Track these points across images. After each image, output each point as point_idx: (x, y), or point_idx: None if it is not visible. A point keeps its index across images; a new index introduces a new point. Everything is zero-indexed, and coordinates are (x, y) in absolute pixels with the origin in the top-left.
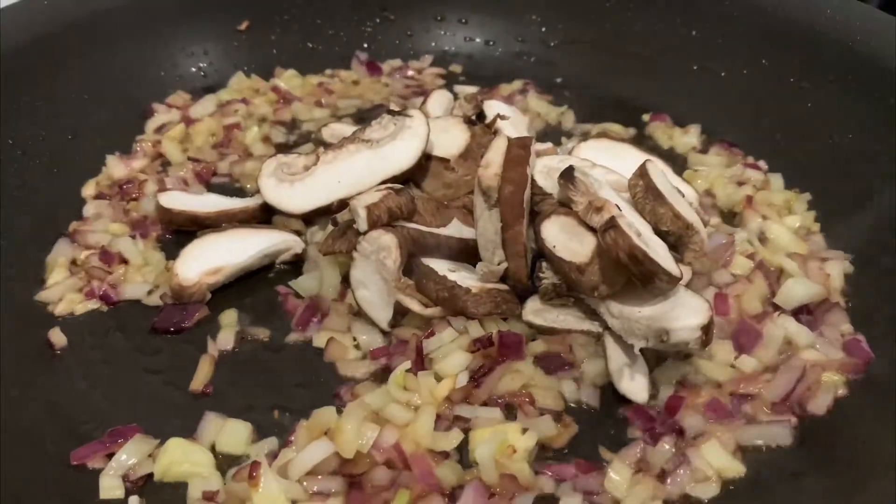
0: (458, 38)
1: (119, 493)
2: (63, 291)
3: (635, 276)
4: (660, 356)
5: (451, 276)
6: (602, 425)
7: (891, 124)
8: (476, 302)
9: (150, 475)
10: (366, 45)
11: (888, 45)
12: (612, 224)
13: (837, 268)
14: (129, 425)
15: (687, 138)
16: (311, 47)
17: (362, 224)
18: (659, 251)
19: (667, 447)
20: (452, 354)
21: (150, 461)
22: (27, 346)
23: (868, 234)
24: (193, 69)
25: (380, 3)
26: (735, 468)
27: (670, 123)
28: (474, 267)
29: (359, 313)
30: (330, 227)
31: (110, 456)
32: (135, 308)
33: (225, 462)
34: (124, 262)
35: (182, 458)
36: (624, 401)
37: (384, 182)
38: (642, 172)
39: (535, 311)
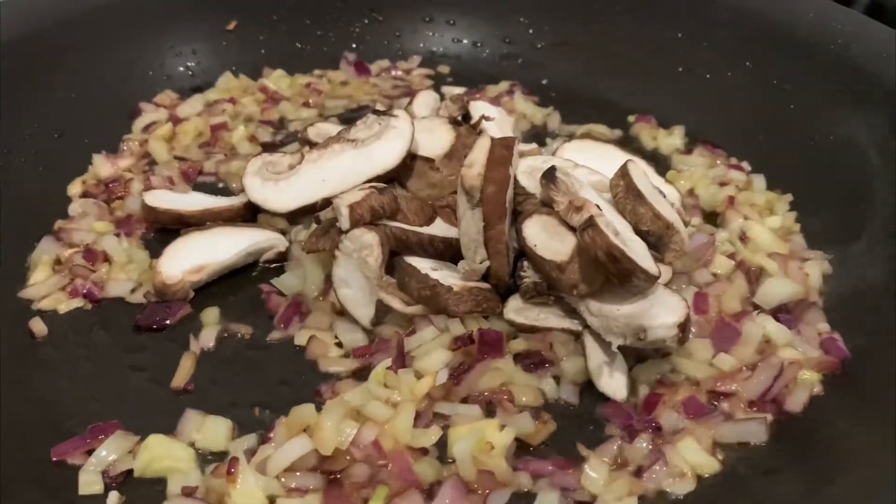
0: (446, 39)
1: (98, 488)
2: (47, 289)
3: (613, 275)
4: (639, 355)
5: (433, 275)
6: (580, 422)
7: (871, 126)
8: (457, 300)
9: (130, 471)
10: (354, 46)
11: (870, 49)
12: (590, 223)
13: (817, 268)
14: (110, 422)
15: (671, 139)
16: (299, 47)
17: (345, 222)
18: (637, 250)
19: (644, 444)
20: (433, 352)
21: (129, 457)
22: (10, 343)
23: (847, 236)
24: (181, 69)
25: (368, 4)
26: (710, 464)
27: (655, 125)
28: (456, 266)
29: (341, 311)
30: (313, 226)
31: (91, 452)
32: (118, 306)
33: (206, 459)
34: (108, 260)
35: (162, 455)
36: (602, 398)
37: (369, 181)
38: (623, 173)
39: (517, 310)
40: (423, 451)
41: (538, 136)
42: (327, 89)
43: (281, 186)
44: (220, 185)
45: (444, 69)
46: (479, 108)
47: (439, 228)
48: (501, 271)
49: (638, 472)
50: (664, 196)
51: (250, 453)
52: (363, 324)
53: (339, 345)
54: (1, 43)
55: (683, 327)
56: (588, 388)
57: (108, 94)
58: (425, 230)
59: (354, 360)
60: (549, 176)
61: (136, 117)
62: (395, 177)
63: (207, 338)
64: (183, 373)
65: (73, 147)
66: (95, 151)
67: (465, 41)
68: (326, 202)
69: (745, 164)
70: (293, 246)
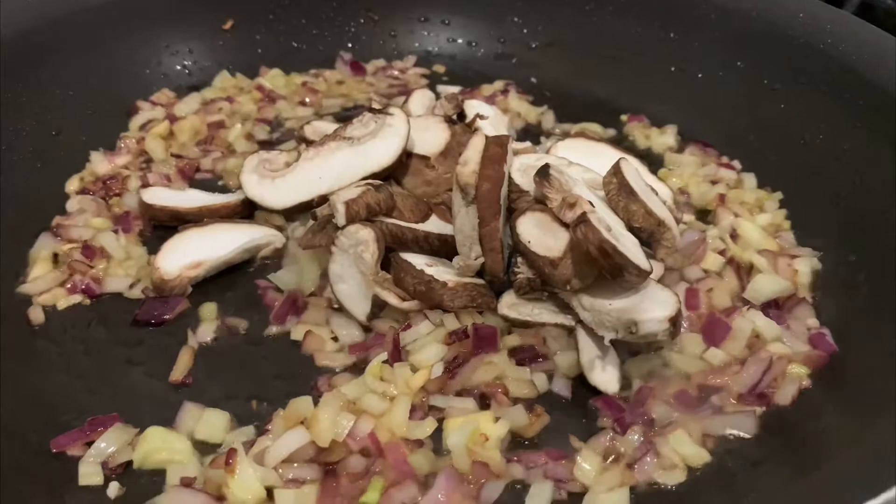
0: (442, 38)
1: (98, 479)
2: (45, 285)
3: (605, 270)
4: (631, 349)
5: (429, 271)
6: (573, 415)
7: (860, 125)
8: (452, 295)
9: (129, 463)
10: (350, 45)
11: (860, 50)
12: (583, 219)
13: (806, 264)
14: (110, 414)
15: (664, 138)
16: (295, 47)
17: (341, 219)
18: (629, 246)
19: (635, 436)
20: (428, 346)
21: (129, 449)
22: (9, 338)
23: (836, 233)
24: (178, 67)
25: (364, 4)
26: (701, 456)
27: (648, 124)
28: (451, 262)
29: (337, 307)
30: (310, 222)
31: (90, 444)
32: (116, 301)
33: (203, 450)
34: (106, 256)
35: (161, 446)
36: (595, 392)
37: (365, 179)
38: (616, 170)
39: (511, 305)
40: (419, 443)
41: (532, 134)
42: (323, 88)
43: (277, 184)
44: (218, 182)
45: (439, 68)
46: (473, 106)
47: (434, 225)
48: (496, 267)
49: (629, 464)
50: (656, 194)
51: (248, 445)
52: (359, 319)
53: (336, 339)
54: None
55: (674, 321)
56: (581, 381)
57: (106, 92)
58: (420, 227)
59: (350, 355)
60: (543, 173)
61: (133, 115)
62: (391, 174)
63: (205, 332)
64: (181, 367)
65: (70, 144)
66: (93, 149)
67: (459, 41)
68: (323, 199)
69: (735, 163)
70: (290, 242)
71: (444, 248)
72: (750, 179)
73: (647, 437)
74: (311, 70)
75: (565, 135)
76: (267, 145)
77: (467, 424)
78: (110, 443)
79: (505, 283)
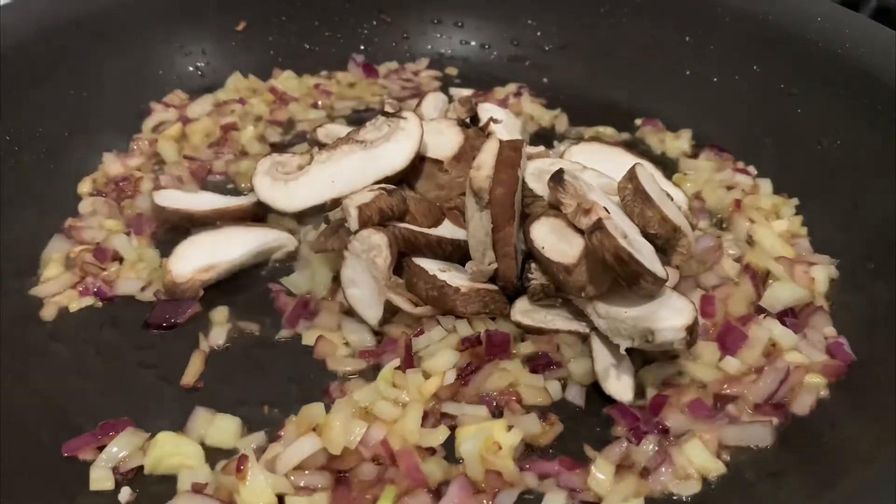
0: (454, 41)
1: (109, 484)
2: (58, 287)
3: (621, 277)
4: (646, 357)
5: (441, 276)
6: (587, 424)
7: (878, 131)
8: (465, 301)
9: (141, 468)
10: (362, 48)
11: (877, 53)
12: (598, 226)
13: (823, 272)
14: (121, 419)
15: (678, 143)
16: (308, 49)
17: (353, 223)
18: (645, 253)
19: (650, 446)
20: (441, 352)
21: (140, 454)
22: (21, 340)
23: (854, 240)
24: (191, 69)
25: (377, 6)
26: (716, 467)
27: (662, 128)
28: (464, 267)
29: (349, 311)
30: (322, 226)
31: (101, 448)
32: (128, 304)
33: (214, 456)
34: (118, 258)
35: (172, 451)
36: (609, 400)
37: (377, 183)
38: (631, 176)
39: (524, 312)
40: (431, 451)
41: (546, 138)
42: (336, 90)
43: (290, 186)
44: (230, 185)
45: (451, 71)
46: (487, 110)
47: (447, 230)
48: (509, 273)
49: (644, 474)
50: (672, 199)
51: (259, 451)
52: (371, 324)
53: (348, 344)
54: (13, 42)
55: (691, 330)
56: (595, 389)
57: (119, 94)
58: (433, 231)
59: (362, 360)
60: (557, 178)
61: (146, 117)
62: (404, 178)
63: (217, 336)
64: (192, 370)
65: (83, 146)
66: (106, 150)
67: (472, 43)
68: (335, 202)
69: (751, 168)
70: (302, 245)
71: (456, 253)
72: (766, 185)
73: (661, 447)
74: (323, 72)
75: (579, 138)
76: (279, 147)
77: (480, 432)
78: (122, 447)
79: (518, 290)
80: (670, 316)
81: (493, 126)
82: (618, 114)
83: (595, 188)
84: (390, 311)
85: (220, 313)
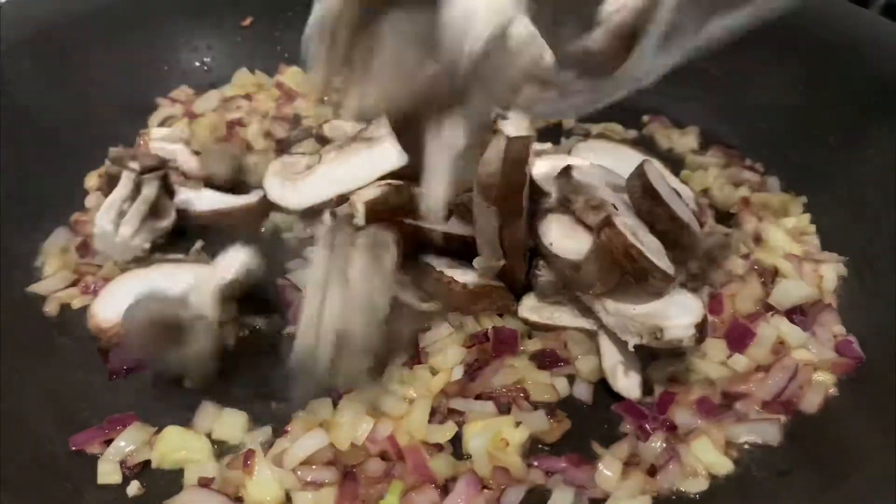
0: None
1: (116, 478)
2: (58, 284)
3: (630, 274)
4: (652, 354)
5: (449, 272)
6: (594, 421)
7: (887, 129)
8: (472, 298)
9: (148, 462)
10: None
11: (886, 51)
12: (607, 222)
13: (831, 270)
14: (127, 413)
15: (685, 140)
16: None
17: (361, 219)
18: (654, 249)
19: (657, 443)
20: (448, 349)
21: (147, 448)
22: (26, 335)
23: (862, 238)
24: (197, 64)
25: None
26: (724, 464)
27: (669, 125)
28: (471, 263)
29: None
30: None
31: (108, 443)
32: None
33: (221, 450)
34: None
35: (179, 446)
36: (617, 397)
37: (383, 178)
38: (640, 173)
39: (532, 309)
40: (439, 447)
41: (553, 134)
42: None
43: (299, 185)
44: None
45: None
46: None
47: (454, 226)
48: (517, 269)
49: (651, 471)
50: (680, 196)
51: (266, 446)
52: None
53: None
54: (19, 36)
55: (701, 327)
56: (602, 386)
57: (125, 89)
58: (441, 227)
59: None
60: (565, 175)
61: (151, 112)
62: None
63: (224, 331)
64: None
65: (89, 140)
66: (111, 145)
67: None
68: (341, 199)
69: (759, 166)
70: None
71: (464, 250)
72: (773, 182)
73: (669, 444)
74: None
75: (586, 135)
76: (286, 143)
77: (488, 429)
78: (129, 441)
79: (525, 286)
80: (679, 313)
81: (500, 122)
82: (624, 110)
83: (602, 185)
84: (396, 308)
85: (226, 308)
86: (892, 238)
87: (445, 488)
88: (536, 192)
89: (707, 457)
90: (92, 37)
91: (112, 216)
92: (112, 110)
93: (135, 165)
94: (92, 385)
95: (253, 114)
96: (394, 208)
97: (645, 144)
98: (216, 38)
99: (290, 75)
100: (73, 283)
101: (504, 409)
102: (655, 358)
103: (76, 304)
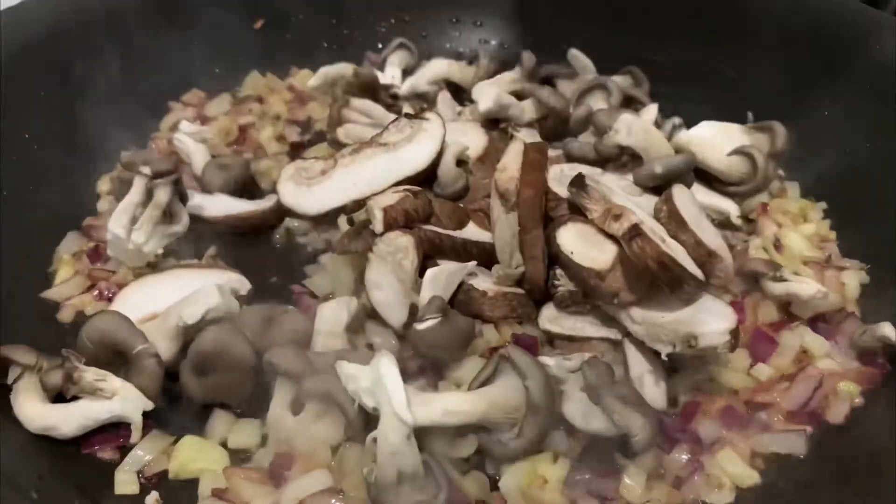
0: (473, 40)
1: (134, 488)
2: (72, 290)
3: (664, 283)
4: (673, 365)
5: (467, 279)
6: None
7: None
8: (492, 305)
9: (165, 472)
10: (380, 46)
11: None
12: (637, 232)
13: (854, 277)
14: (145, 421)
15: None
16: (326, 47)
17: (378, 225)
18: (682, 256)
19: (682, 454)
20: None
21: (164, 458)
22: (38, 340)
23: (884, 244)
24: (209, 67)
25: (397, 4)
26: (750, 476)
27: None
28: (490, 270)
29: (372, 314)
30: (346, 227)
31: (121, 449)
32: None
33: (238, 460)
34: None
35: (196, 456)
36: None
37: (398, 183)
38: (667, 197)
39: (552, 319)
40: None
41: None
42: None
43: (313, 190)
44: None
45: None
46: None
47: (471, 232)
48: (537, 276)
49: (676, 483)
50: (713, 221)
51: None
52: (395, 327)
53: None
54: (31, 39)
55: (735, 334)
56: None
57: (137, 92)
58: (459, 234)
59: None
60: (579, 183)
61: (163, 115)
62: (428, 179)
63: None
64: None
65: (102, 144)
66: (123, 149)
67: (492, 42)
68: (356, 204)
69: (778, 171)
70: (323, 255)
71: (482, 256)
72: (793, 188)
73: (694, 456)
74: None
75: None
76: (298, 147)
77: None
78: (146, 451)
79: (545, 294)
80: (712, 320)
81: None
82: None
83: (616, 190)
84: (414, 315)
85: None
86: None
87: None
88: (552, 198)
89: (733, 468)
90: (104, 39)
91: (124, 222)
92: (124, 113)
93: (147, 170)
94: None
95: (265, 117)
96: (412, 214)
97: None
98: (228, 41)
99: (301, 78)
100: (87, 290)
101: None
102: (677, 369)
103: (90, 310)
